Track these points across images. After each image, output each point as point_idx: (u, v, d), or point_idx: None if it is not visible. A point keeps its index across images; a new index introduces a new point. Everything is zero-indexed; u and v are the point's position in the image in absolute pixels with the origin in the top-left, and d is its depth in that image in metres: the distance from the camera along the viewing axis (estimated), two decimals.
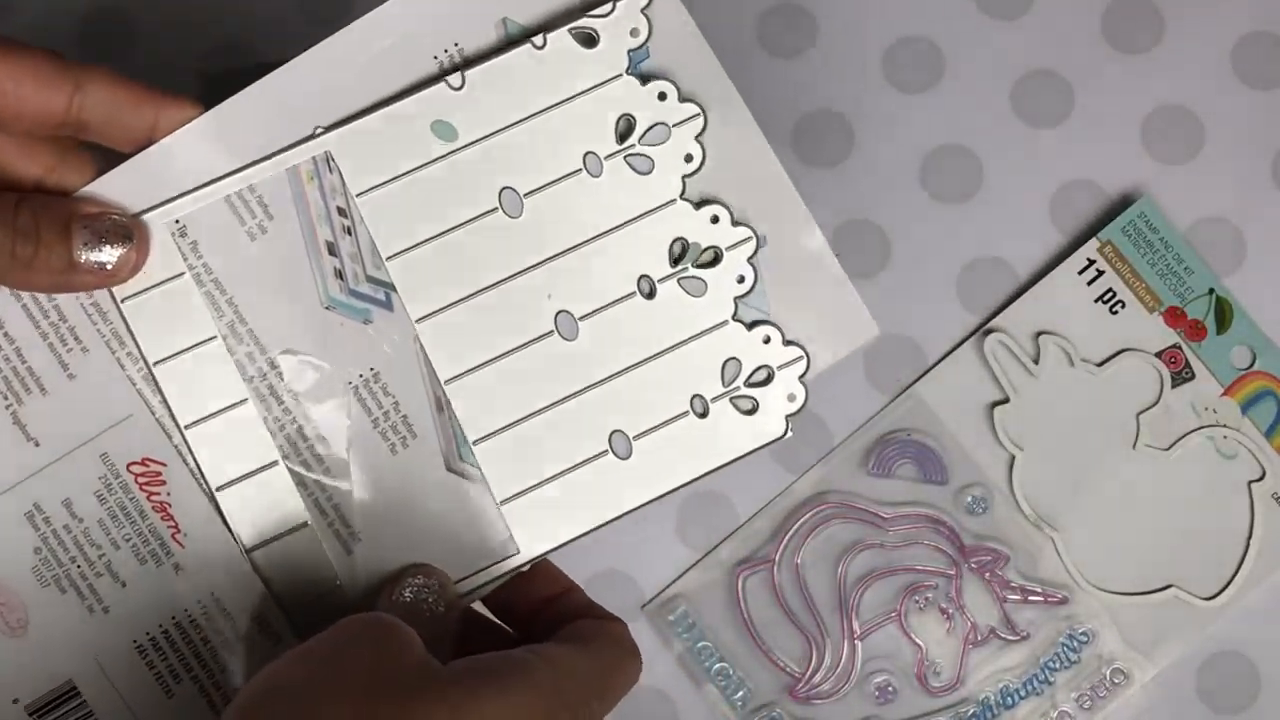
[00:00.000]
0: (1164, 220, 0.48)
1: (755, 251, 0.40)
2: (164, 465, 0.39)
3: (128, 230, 0.37)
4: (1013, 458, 0.48)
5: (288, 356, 0.39)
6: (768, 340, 0.40)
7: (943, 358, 0.49)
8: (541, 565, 0.38)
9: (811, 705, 0.47)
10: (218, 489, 0.39)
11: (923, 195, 0.49)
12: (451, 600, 0.37)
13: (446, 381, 0.39)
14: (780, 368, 0.40)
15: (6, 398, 0.38)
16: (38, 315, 0.38)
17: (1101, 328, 0.48)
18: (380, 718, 0.28)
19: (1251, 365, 0.48)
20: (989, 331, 0.48)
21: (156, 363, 0.39)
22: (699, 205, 0.39)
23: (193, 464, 0.39)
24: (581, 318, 0.39)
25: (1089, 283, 0.48)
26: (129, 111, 0.36)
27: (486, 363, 0.39)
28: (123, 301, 0.38)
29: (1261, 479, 0.47)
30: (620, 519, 0.39)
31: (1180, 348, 0.48)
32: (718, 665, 0.48)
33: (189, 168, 0.38)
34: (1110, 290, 0.48)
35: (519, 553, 0.39)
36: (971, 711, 0.47)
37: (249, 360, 0.39)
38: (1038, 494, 0.48)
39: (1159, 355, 0.48)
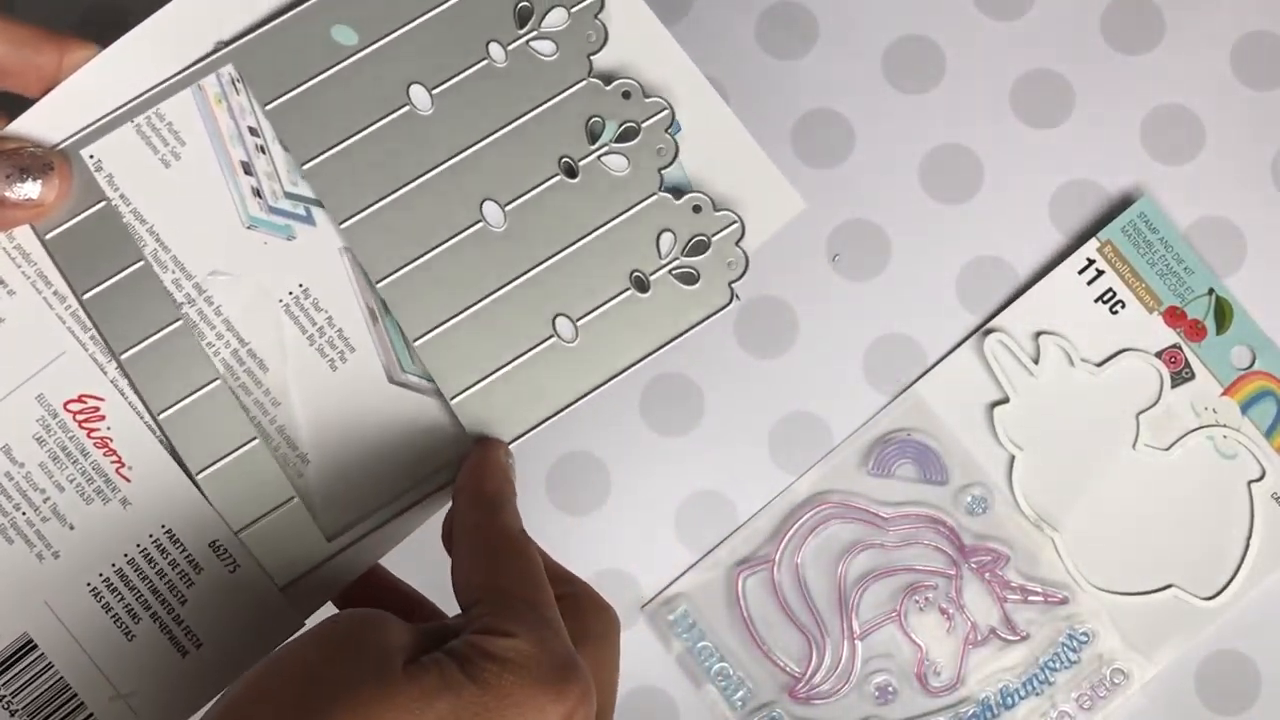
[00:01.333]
0: (1164, 220, 0.48)
1: (671, 123, 0.40)
2: (102, 400, 0.39)
3: (48, 160, 0.37)
4: (1013, 458, 0.48)
5: (215, 279, 0.39)
6: (698, 209, 0.40)
7: (943, 358, 0.49)
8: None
9: (811, 705, 0.47)
10: (159, 414, 0.39)
11: (923, 195, 0.49)
12: None
13: (378, 282, 0.39)
14: (715, 235, 0.40)
15: None
16: None
17: (1101, 328, 0.48)
18: None
19: (1251, 365, 0.48)
20: (989, 331, 0.48)
21: (85, 293, 0.38)
22: (609, 82, 0.39)
23: (131, 394, 0.39)
24: (507, 204, 0.40)
25: (1089, 283, 0.48)
26: (32, 51, 0.36)
27: (416, 259, 0.39)
28: (46, 236, 0.38)
29: (1261, 479, 0.47)
30: (577, 404, 0.39)
31: (1180, 348, 0.48)
32: (718, 665, 0.48)
33: (98, 101, 0.39)
34: (1110, 290, 0.48)
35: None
36: (971, 711, 0.47)
37: (176, 286, 0.39)
38: (1038, 494, 0.48)
39: (1159, 355, 0.48)
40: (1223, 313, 0.48)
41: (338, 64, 0.39)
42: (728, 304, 0.40)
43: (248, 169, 0.40)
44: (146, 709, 0.39)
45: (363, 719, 0.27)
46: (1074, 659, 0.47)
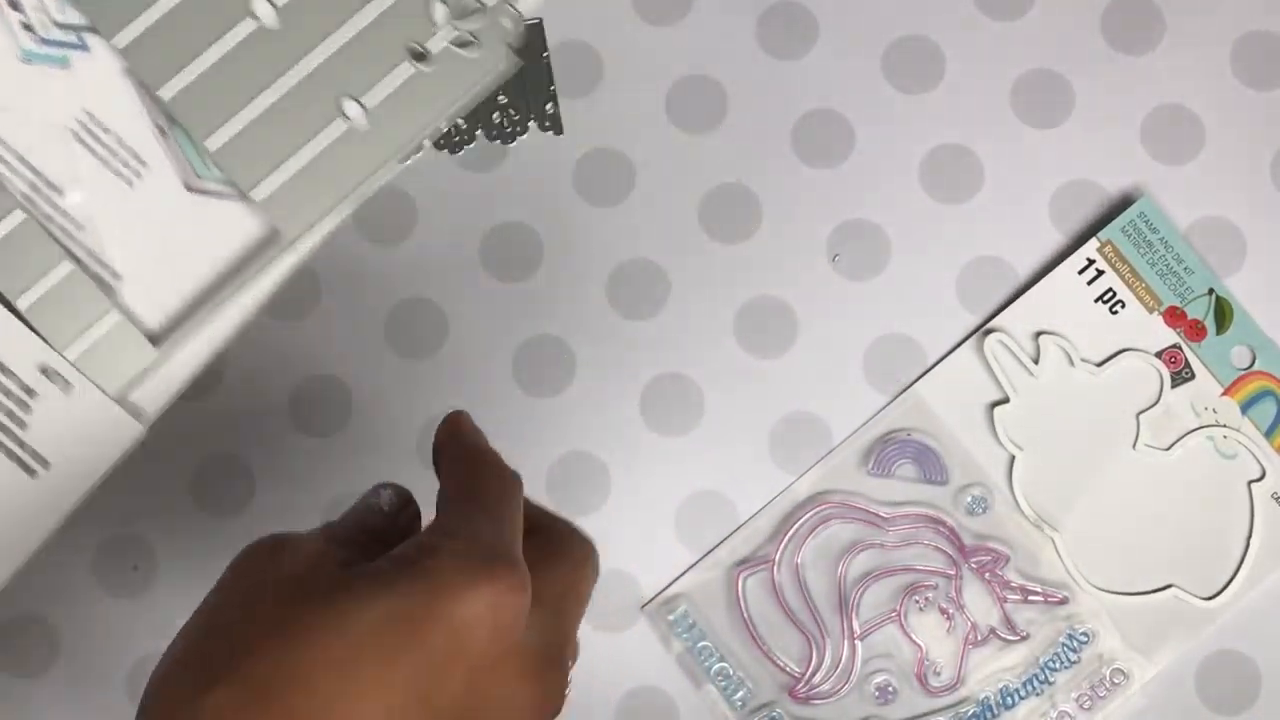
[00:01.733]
0: (1164, 220, 0.48)
1: None
2: None
3: None
4: (1013, 458, 0.48)
5: None
6: None
7: (943, 358, 0.49)
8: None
9: (811, 705, 0.47)
10: None
11: (923, 195, 0.49)
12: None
13: (162, 93, 0.40)
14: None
15: None
16: None
17: (1101, 328, 0.48)
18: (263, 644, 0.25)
19: (1251, 365, 0.48)
20: (989, 331, 0.48)
21: None
22: None
23: None
24: None
25: (1089, 283, 0.48)
26: None
27: (195, 64, 0.40)
28: None
29: (1261, 479, 0.47)
30: (376, 178, 0.40)
31: (1180, 348, 0.48)
32: (718, 665, 0.48)
33: None
34: (1110, 290, 0.48)
35: (284, 238, 0.40)
36: (971, 711, 0.47)
37: None
38: (1038, 494, 0.48)
39: (1159, 355, 0.48)
40: (1223, 313, 0.48)
41: None
42: (509, 67, 0.41)
43: (14, 4, 0.41)
44: (7, 534, 0.40)
45: (299, 636, 0.25)
46: (1074, 659, 0.47)
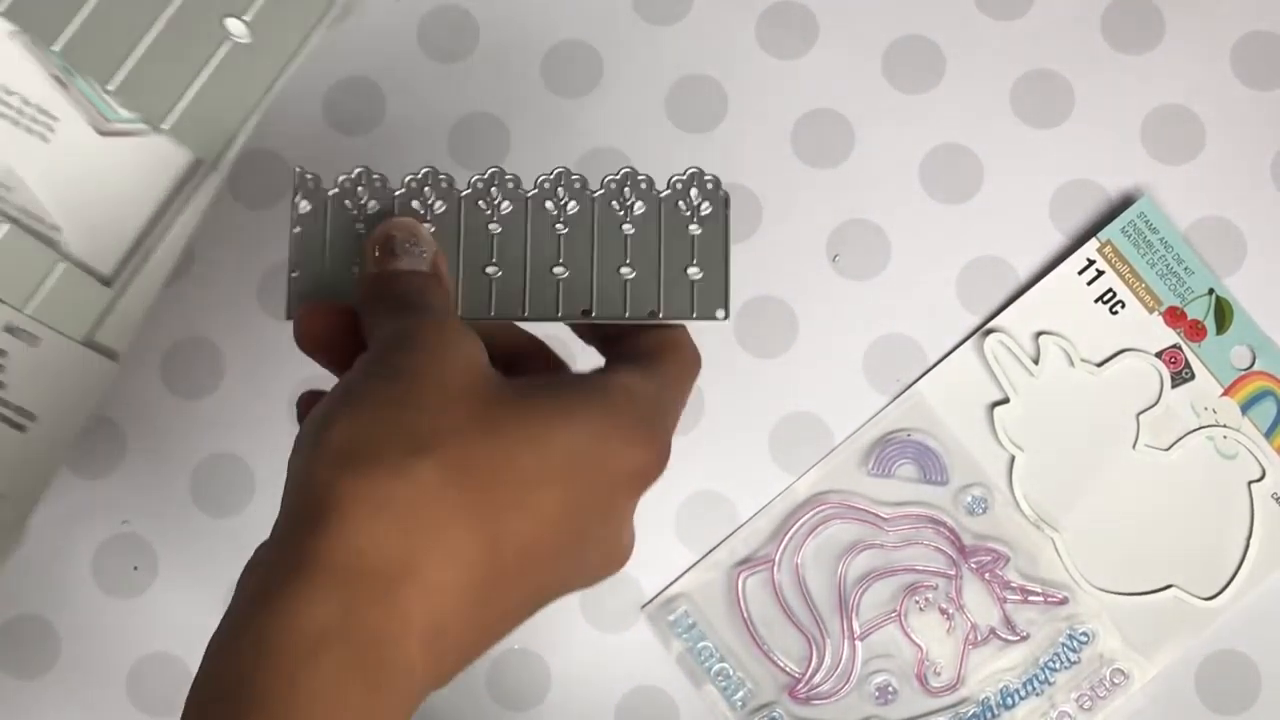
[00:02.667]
0: (1164, 220, 0.48)
1: None
2: None
3: None
4: (1013, 458, 0.48)
5: None
6: None
7: (943, 358, 0.49)
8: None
9: (811, 705, 0.47)
10: None
11: (923, 195, 0.49)
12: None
13: (54, 46, 0.41)
14: None
15: None
16: None
17: (1101, 328, 0.48)
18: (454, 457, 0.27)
19: (1251, 365, 0.48)
20: (989, 331, 0.48)
21: None
22: None
23: None
24: None
25: (1089, 283, 0.48)
26: None
27: (79, 11, 0.41)
28: None
29: (1261, 479, 0.47)
30: (277, 85, 0.42)
31: (1180, 348, 0.48)
32: (718, 665, 0.48)
33: None
34: (1110, 290, 0.48)
35: (204, 161, 0.42)
36: (971, 711, 0.47)
37: None
38: (1038, 494, 0.48)
39: (1159, 355, 0.48)
40: (1223, 313, 0.48)
41: None
42: None
43: None
44: (15, 493, 0.42)
45: (505, 436, 0.28)
46: (1074, 659, 0.47)
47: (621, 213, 0.35)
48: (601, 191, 0.35)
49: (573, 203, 0.35)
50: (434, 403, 0.28)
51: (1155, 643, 0.47)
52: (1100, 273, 0.48)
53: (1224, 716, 0.47)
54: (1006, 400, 0.48)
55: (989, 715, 0.47)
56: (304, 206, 0.33)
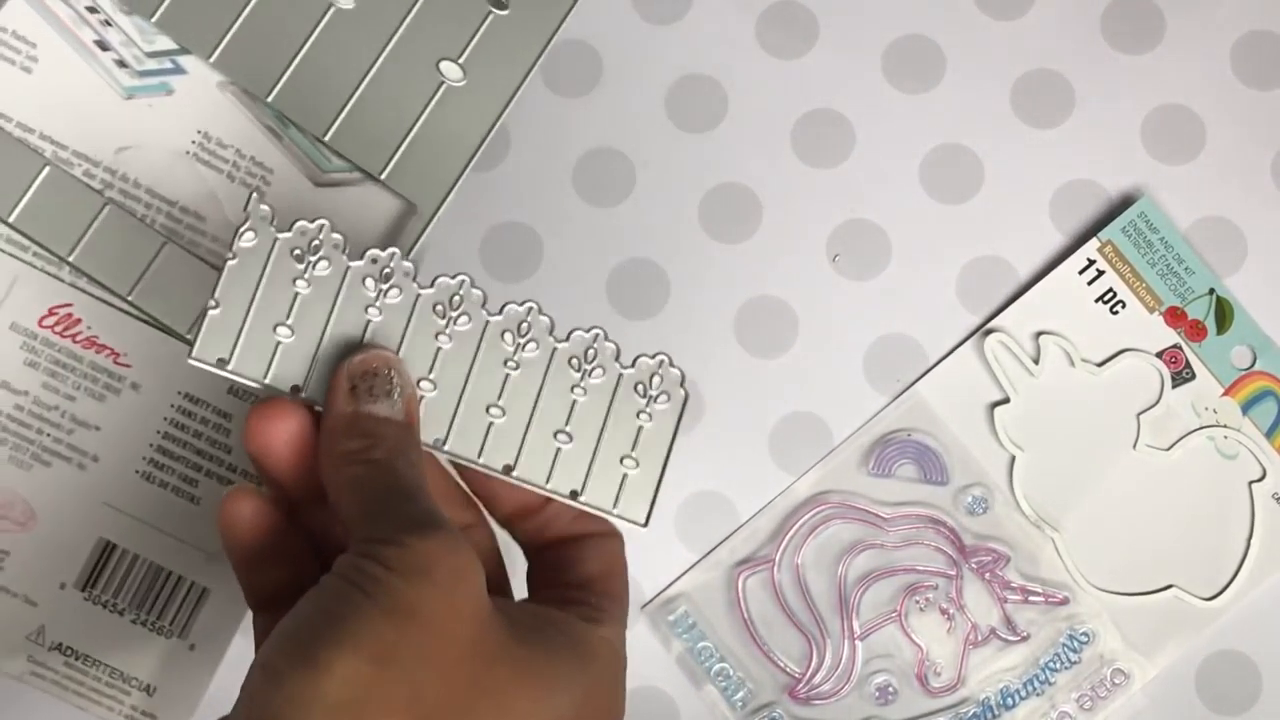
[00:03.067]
0: (1164, 220, 0.48)
1: None
2: (70, 305, 0.40)
3: None
4: (1013, 458, 0.48)
5: (121, 156, 0.41)
6: None
7: (943, 358, 0.49)
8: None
9: (811, 705, 0.47)
10: (130, 295, 0.40)
11: (923, 195, 0.49)
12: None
13: (268, 96, 0.40)
14: None
15: None
16: None
17: (1102, 328, 0.48)
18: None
19: (1252, 365, 0.48)
20: (989, 331, 0.48)
21: (9, 216, 0.40)
22: None
23: (96, 289, 0.40)
24: None
25: (1089, 283, 0.48)
26: None
27: (291, 61, 0.41)
28: None
29: (1262, 479, 0.47)
30: (494, 131, 0.42)
31: (1180, 348, 0.48)
32: (718, 665, 0.48)
33: None
34: (1110, 290, 0.48)
35: (421, 210, 0.41)
36: (971, 712, 0.47)
37: (89, 177, 0.40)
38: (1038, 494, 0.48)
39: (1159, 355, 0.48)
40: (1223, 313, 0.48)
41: None
42: (569, 8, 0.42)
43: (103, 45, 0.41)
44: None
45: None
46: (1074, 659, 0.47)
47: (578, 375, 0.33)
48: (566, 344, 0.33)
49: (533, 345, 0.33)
50: (441, 659, 0.26)
51: (1155, 643, 0.47)
52: (1100, 273, 0.48)
53: (1224, 717, 0.47)
54: (1006, 400, 0.48)
55: (989, 715, 0.47)
56: (247, 239, 0.31)
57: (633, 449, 0.34)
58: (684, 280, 0.49)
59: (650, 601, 0.48)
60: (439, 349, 0.32)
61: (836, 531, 0.48)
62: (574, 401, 0.33)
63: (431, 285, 0.33)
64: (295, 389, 0.32)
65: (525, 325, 0.33)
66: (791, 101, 0.50)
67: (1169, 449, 0.48)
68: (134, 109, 0.41)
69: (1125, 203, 0.49)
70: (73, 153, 0.40)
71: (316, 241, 0.32)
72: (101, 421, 0.40)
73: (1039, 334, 0.48)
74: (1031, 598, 0.47)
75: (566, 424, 0.33)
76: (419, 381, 0.32)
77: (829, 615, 0.48)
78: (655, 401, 0.34)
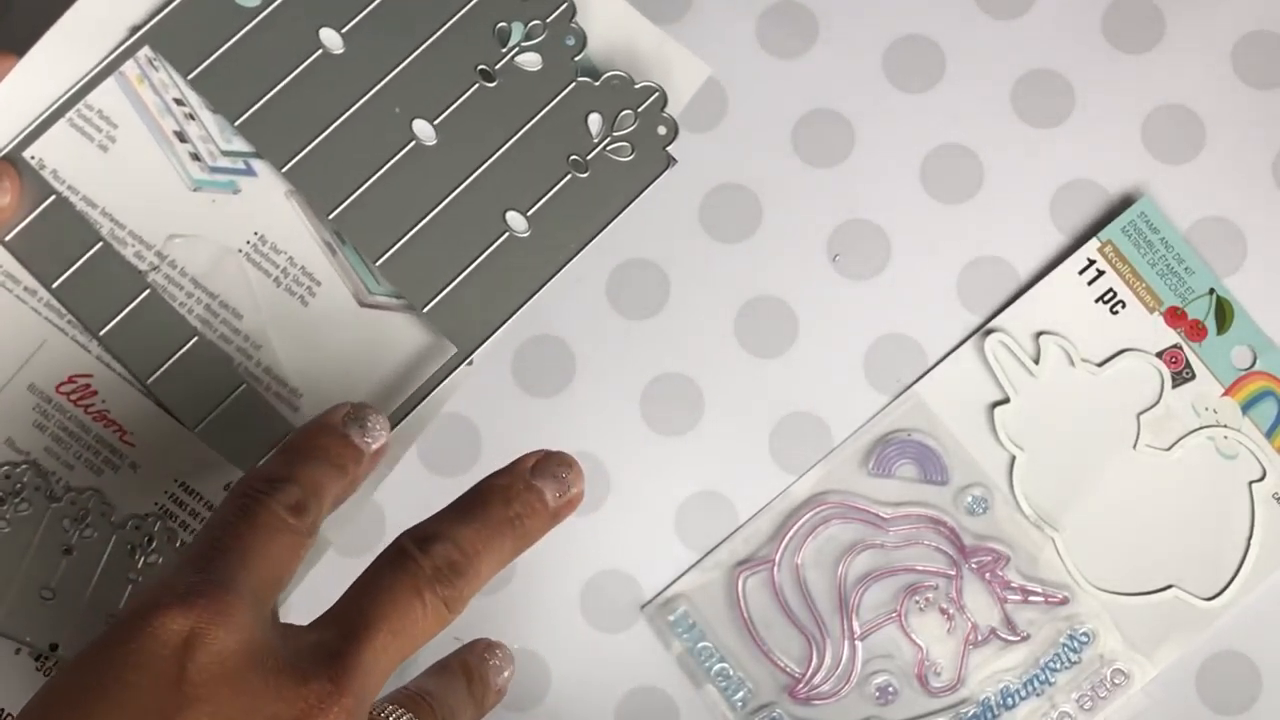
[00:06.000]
0: (1164, 220, 0.48)
1: (574, 13, 0.42)
2: (90, 376, 0.40)
3: None
4: (1013, 458, 0.48)
5: (173, 243, 0.41)
6: (618, 86, 0.42)
7: (943, 358, 0.49)
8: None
9: (811, 705, 0.47)
10: (148, 380, 0.40)
11: (923, 195, 0.49)
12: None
13: (329, 214, 0.41)
14: (640, 107, 0.42)
15: None
16: None
17: (1102, 328, 0.48)
18: None
19: (1252, 365, 0.48)
20: (989, 331, 0.48)
21: (53, 283, 0.40)
22: None
23: (118, 366, 0.40)
24: (434, 119, 0.41)
25: (1089, 283, 0.48)
26: None
27: (360, 185, 0.41)
28: (6, 239, 0.40)
29: (1262, 479, 0.47)
30: (544, 290, 0.42)
31: (1181, 348, 0.48)
32: (718, 665, 0.48)
33: (28, 106, 0.41)
34: (1110, 290, 0.48)
35: (458, 350, 0.41)
36: (972, 712, 0.47)
37: (138, 258, 0.41)
38: (1038, 494, 0.48)
39: (1159, 355, 0.48)
40: (1223, 313, 0.48)
41: (246, 25, 0.41)
42: (666, 168, 0.43)
43: (182, 137, 0.41)
44: None
45: None
46: (1074, 659, 0.47)
47: (71, 534, 0.37)
48: (59, 504, 0.36)
49: (26, 505, 0.37)
50: None
51: (1155, 643, 0.47)
52: (1101, 273, 0.48)
53: (1224, 717, 0.47)
54: (1006, 400, 0.48)
55: (989, 716, 0.47)
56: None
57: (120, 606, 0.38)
58: (684, 280, 0.49)
59: (650, 601, 0.48)
60: None
61: (836, 532, 0.48)
62: (64, 560, 0.38)
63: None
64: None
65: (24, 484, 0.37)
66: (791, 101, 0.50)
67: (1169, 449, 0.48)
68: (197, 201, 0.41)
69: (1125, 203, 0.49)
70: (129, 232, 0.41)
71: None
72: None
73: (1039, 334, 0.48)
74: (1031, 598, 0.47)
75: (53, 580, 0.38)
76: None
77: (829, 615, 0.48)
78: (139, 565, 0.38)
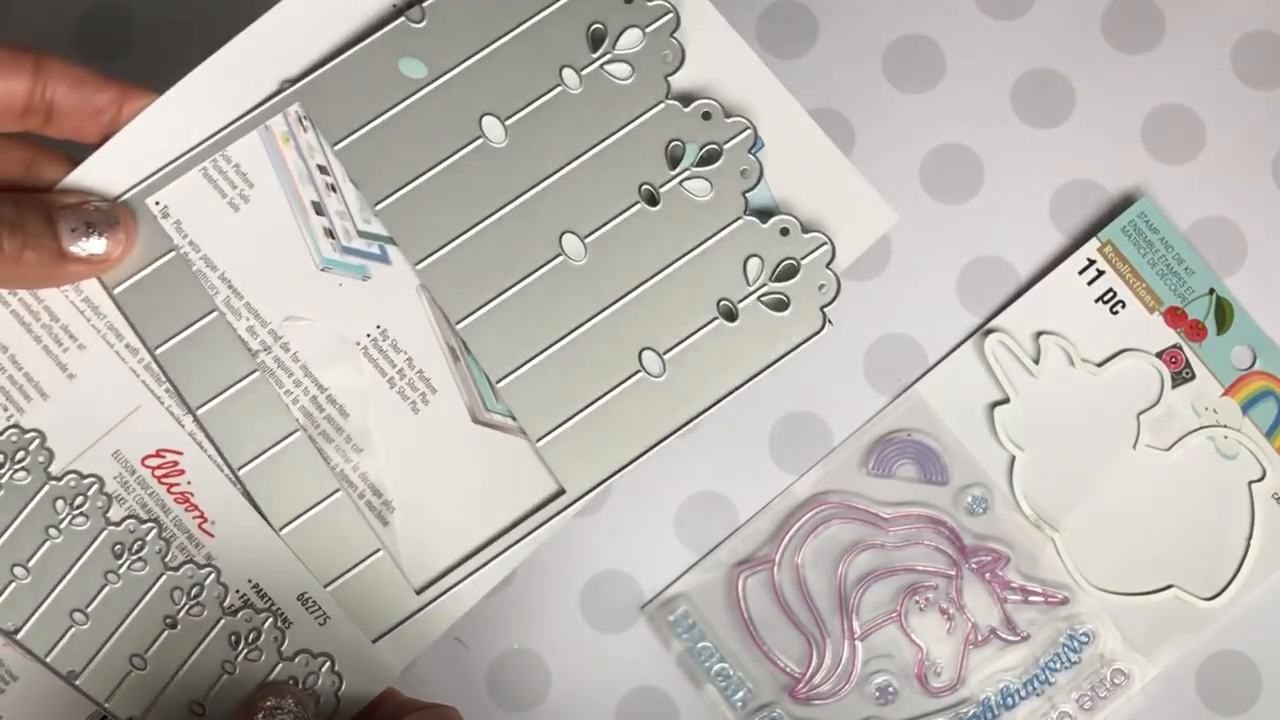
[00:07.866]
0: (1164, 220, 0.48)
1: (755, 142, 0.38)
2: (180, 454, 0.38)
3: (113, 215, 0.36)
4: (1013, 458, 0.48)
5: (290, 324, 0.38)
6: (786, 231, 0.38)
7: (943, 358, 0.49)
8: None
9: (811, 705, 0.47)
10: (240, 469, 0.37)
11: (923, 195, 0.49)
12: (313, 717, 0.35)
13: (458, 322, 0.37)
14: (804, 258, 0.38)
15: (7, 408, 0.37)
16: (28, 318, 0.37)
17: (1102, 328, 0.48)
18: None
19: (1252, 365, 0.48)
20: (989, 331, 0.48)
21: (157, 348, 0.37)
22: (688, 103, 0.38)
23: (210, 448, 0.37)
24: (586, 236, 0.38)
25: (1089, 283, 0.48)
26: (92, 93, 0.35)
27: (496, 296, 0.37)
28: (115, 290, 0.37)
29: (1262, 479, 0.47)
30: (668, 440, 0.37)
31: (1180, 348, 0.48)
32: (718, 665, 0.48)
33: (161, 148, 0.37)
34: (1110, 290, 0.48)
35: (565, 491, 0.37)
36: (971, 712, 0.47)
37: (251, 334, 0.38)
38: (1038, 494, 0.48)
39: (1159, 355, 0.48)
40: (1223, 313, 0.48)
41: (407, 98, 0.37)
42: (820, 330, 0.38)
43: (319, 209, 0.38)
44: None
45: None
46: (1074, 659, 0.47)
47: (180, 607, 0.37)
48: (175, 573, 0.36)
49: (142, 565, 0.37)
50: None
51: (1155, 643, 0.47)
52: (1101, 273, 0.48)
53: (1224, 717, 0.47)
54: (1006, 400, 0.48)
55: (989, 716, 0.47)
56: None
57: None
58: None
59: (650, 602, 0.48)
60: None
61: (836, 531, 0.48)
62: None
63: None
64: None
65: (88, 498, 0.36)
66: None
67: (1169, 449, 0.48)
68: (323, 282, 0.38)
69: (1125, 203, 0.49)
70: (245, 304, 0.37)
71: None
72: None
73: (1039, 334, 0.48)
74: (1031, 598, 0.47)
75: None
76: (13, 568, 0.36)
77: (829, 615, 0.48)
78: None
